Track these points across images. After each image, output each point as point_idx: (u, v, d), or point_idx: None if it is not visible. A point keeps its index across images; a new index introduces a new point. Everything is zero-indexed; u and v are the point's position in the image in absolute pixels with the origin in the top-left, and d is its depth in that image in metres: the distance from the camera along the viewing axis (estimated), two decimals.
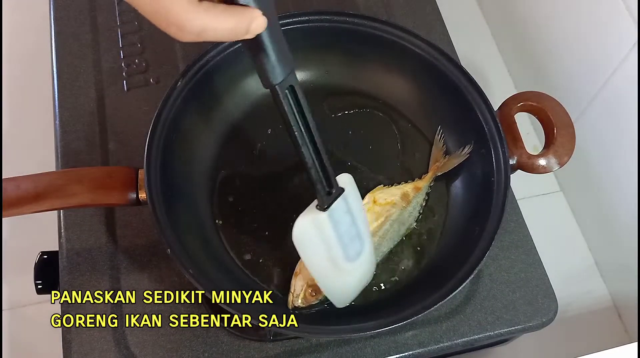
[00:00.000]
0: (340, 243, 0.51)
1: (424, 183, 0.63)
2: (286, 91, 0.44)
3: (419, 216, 0.63)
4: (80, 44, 0.75)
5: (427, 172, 0.64)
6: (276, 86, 0.43)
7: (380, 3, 0.80)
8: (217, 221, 0.62)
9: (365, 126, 0.67)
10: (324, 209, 0.48)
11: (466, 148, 0.62)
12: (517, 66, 0.98)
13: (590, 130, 0.80)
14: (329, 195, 0.49)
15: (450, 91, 0.63)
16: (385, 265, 0.61)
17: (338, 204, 0.49)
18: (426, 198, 0.63)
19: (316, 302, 0.57)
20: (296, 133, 0.45)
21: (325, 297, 0.57)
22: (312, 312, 0.58)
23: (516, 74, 0.99)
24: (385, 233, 0.60)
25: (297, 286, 0.57)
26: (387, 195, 0.61)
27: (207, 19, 0.36)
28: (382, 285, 0.60)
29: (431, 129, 0.67)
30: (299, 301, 0.57)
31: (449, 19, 0.79)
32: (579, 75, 0.80)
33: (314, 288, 0.56)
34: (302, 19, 0.64)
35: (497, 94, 0.69)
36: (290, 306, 0.57)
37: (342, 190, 0.49)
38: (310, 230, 0.49)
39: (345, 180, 0.50)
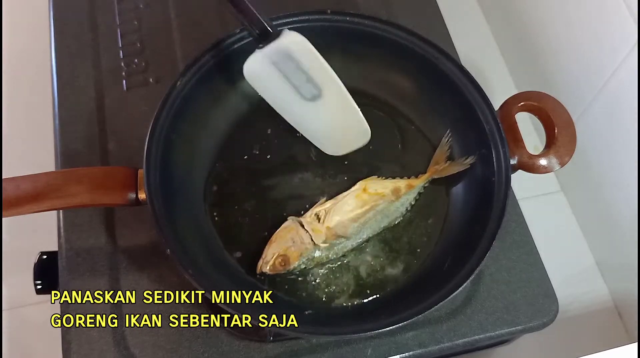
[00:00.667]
0: (287, 82, 0.58)
1: (418, 182, 0.63)
2: None
3: (405, 214, 0.63)
4: (79, 44, 0.75)
5: (425, 173, 0.64)
6: None
7: (380, 3, 0.80)
8: (216, 221, 0.62)
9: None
10: (260, 48, 0.56)
11: (469, 158, 0.62)
12: (518, 65, 0.98)
13: (591, 130, 0.80)
14: (262, 39, 0.56)
15: (450, 91, 0.63)
16: (385, 265, 0.61)
17: (274, 48, 0.56)
18: (417, 197, 0.63)
19: (283, 272, 0.58)
20: None
21: (293, 268, 0.58)
22: (310, 310, 0.58)
23: (517, 73, 0.99)
24: (366, 221, 0.60)
25: (269, 253, 0.58)
26: (378, 186, 0.62)
27: None
28: (382, 285, 0.60)
29: (431, 129, 0.67)
30: (267, 267, 0.57)
31: (449, 18, 0.79)
32: (579, 75, 0.80)
33: (284, 259, 0.57)
34: (302, 18, 0.64)
35: (498, 94, 0.68)
36: (257, 271, 0.58)
37: (274, 35, 0.56)
38: (255, 67, 0.58)
39: (295, 38, 0.57)
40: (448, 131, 0.65)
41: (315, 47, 0.65)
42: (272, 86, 0.59)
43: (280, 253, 0.58)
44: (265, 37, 0.56)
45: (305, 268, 0.59)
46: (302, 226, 0.59)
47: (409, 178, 0.64)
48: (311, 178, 0.64)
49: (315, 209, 0.61)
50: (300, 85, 0.59)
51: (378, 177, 0.64)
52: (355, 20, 0.64)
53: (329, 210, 0.60)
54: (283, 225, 0.60)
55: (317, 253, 0.59)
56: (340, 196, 0.62)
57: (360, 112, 0.62)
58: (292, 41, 0.57)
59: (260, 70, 0.58)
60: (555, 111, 0.61)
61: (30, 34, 0.97)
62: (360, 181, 0.63)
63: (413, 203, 0.63)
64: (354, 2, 0.79)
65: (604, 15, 0.72)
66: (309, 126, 0.62)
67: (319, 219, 0.60)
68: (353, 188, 0.62)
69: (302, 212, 0.62)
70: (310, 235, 0.59)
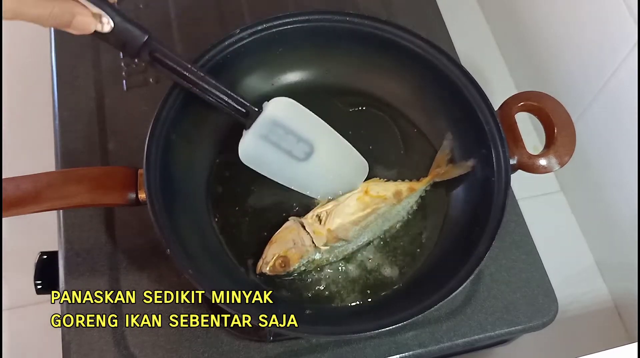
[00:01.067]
0: (280, 149, 0.60)
1: (420, 186, 0.63)
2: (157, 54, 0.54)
3: (406, 217, 0.63)
4: (79, 44, 0.75)
5: (426, 175, 0.64)
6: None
7: (380, 3, 0.80)
8: (216, 221, 0.62)
9: (366, 125, 0.67)
10: (247, 129, 0.59)
11: (470, 160, 0.62)
12: (518, 65, 0.98)
13: (590, 130, 0.80)
14: (247, 117, 0.59)
15: (450, 91, 0.63)
16: (385, 265, 0.61)
17: (259, 122, 0.59)
18: (419, 200, 0.63)
19: (283, 273, 0.58)
20: (192, 87, 0.56)
21: (293, 270, 0.58)
22: (310, 310, 0.58)
23: (517, 73, 0.99)
24: (367, 224, 0.60)
25: (269, 254, 0.58)
26: (380, 188, 0.62)
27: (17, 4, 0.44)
28: (381, 285, 0.60)
29: (431, 129, 0.67)
30: (267, 268, 0.57)
31: (449, 19, 0.79)
32: (579, 75, 0.80)
33: (284, 260, 0.57)
34: (302, 18, 0.64)
35: (498, 94, 0.68)
36: (257, 271, 0.58)
37: (258, 112, 0.59)
38: (249, 149, 0.60)
39: (276, 104, 0.60)
40: (449, 134, 0.65)
41: (316, 47, 0.66)
42: (267, 160, 0.61)
43: (280, 254, 0.58)
44: (251, 117, 0.59)
45: (304, 270, 0.59)
46: (304, 227, 0.59)
47: (410, 180, 0.64)
48: None
49: (317, 210, 0.61)
50: (292, 148, 0.61)
51: (380, 179, 0.64)
52: (355, 20, 0.64)
53: (330, 212, 0.60)
54: (284, 226, 0.60)
55: (318, 256, 0.59)
56: (342, 197, 0.62)
57: (354, 149, 0.63)
58: (275, 108, 0.60)
59: (253, 149, 0.60)
60: (555, 111, 0.61)
61: (30, 34, 0.97)
62: (363, 183, 0.63)
63: (415, 207, 0.63)
64: (354, 2, 0.79)
65: (604, 15, 0.72)
66: (311, 184, 0.63)
67: (320, 220, 0.60)
68: (355, 190, 0.62)
69: (295, 209, 0.62)
70: (311, 236, 0.59)
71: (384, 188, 0.62)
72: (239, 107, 0.59)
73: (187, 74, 0.56)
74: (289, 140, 0.60)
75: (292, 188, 0.62)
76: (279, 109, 0.60)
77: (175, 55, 0.55)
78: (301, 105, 0.61)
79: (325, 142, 0.62)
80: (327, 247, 0.59)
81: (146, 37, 0.53)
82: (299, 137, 0.61)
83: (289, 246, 0.58)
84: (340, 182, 0.63)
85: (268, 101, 0.60)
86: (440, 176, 0.63)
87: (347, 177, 0.63)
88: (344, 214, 0.60)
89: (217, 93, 0.58)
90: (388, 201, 0.61)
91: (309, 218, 0.60)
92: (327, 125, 0.62)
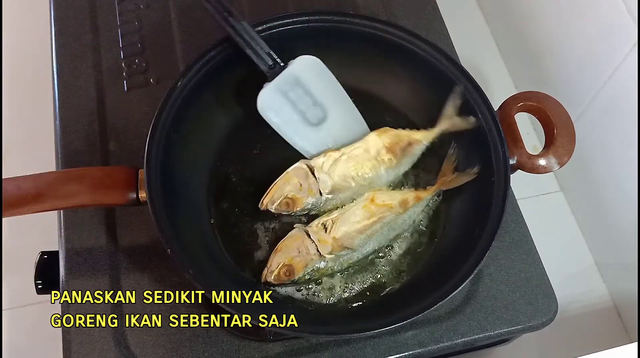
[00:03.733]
0: (295, 109, 0.62)
1: (426, 194, 0.62)
2: None
3: (412, 226, 0.62)
4: (80, 44, 0.75)
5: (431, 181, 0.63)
6: None
7: (380, 3, 0.80)
8: (217, 221, 0.62)
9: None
10: (269, 81, 0.60)
11: (476, 168, 0.61)
12: (517, 66, 0.98)
13: (590, 130, 0.80)
14: (271, 70, 0.60)
15: (450, 91, 0.63)
16: (384, 266, 0.61)
17: (283, 77, 0.61)
18: (426, 209, 0.63)
19: (288, 282, 0.58)
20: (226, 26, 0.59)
21: (298, 279, 0.58)
22: (310, 309, 0.58)
23: (516, 74, 0.99)
24: (373, 233, 0.60)
25: (274, 263, 0.58)
26: (386, 197, 0.61)
27: None
28: (381, 285, 0.60)
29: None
30: (272, 277, 0.57)
31: (449, 19, 0.79)
32: (579, 75, 0.80)
33: (289, 269, 0.57)
34: (302, 19, 0.64)
35: (497, 94, 0.69)
36: (262, 280, 0.58)
37: (283, 67, 0.61)
38: (267, 100, 0.61)
39: (303, 62, 0.61)
40: (453, 143, 0.64)
41: (316, 47, 0.66)
42: (280, 115, 0.62)
43: (285, 263, 0.57)
44: (275, 70, 0.61)
45: (309, 278, 0.59)
46: (309, 235, 0.59)
47: (416, 189, 0.63)
48: None
49: (323, 218, 0.60)
50: (307, 110, 0.63)
51: (386, 187, 0.63)
52: (355, 20, 0.65)
53: (335, 220, 0.59)
54: (289, 234, 0.60)
55: (322, 264, 0.59)
56: (348, 206, 0.61)
57: (366, 126, 0.65)
58: (300, 66, 0.61)
59: (271, 101, 0.61)
60: (554, 111, 0.61)
61: (31, 34, 0.97)
62: (369, 191, 0.62)
63: (421, 217, 0.63)
64: (354, 2, 0.79)
65: (604, 15, 0.72)
66: (314, 151, 0.64)
67: (325, 229, 0.59)
68: (361, 198, 0.61)
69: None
70: (316, 245, 0.58)
71: (390, 197, 0.61)
72: (266, 58, 0.60)
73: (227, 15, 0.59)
74: (306, 102, 0.62)
75: (296, 148, 0.64)
76: (304, 68, 0.61)
77: None
78: (326, 67, 0.62)
79: (339, 112, 0.64)
80: (332, 255, 0.58)
81: None
82: (316, 101, 0.63)
83: (294, 255, 0.58)
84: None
85: (294, 58, 0.61)
86: (447, 185, 0.62)
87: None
88: (350, 223, 0.59)
89: (247, 37, 0.59)
90: (394, 209, 0.60)
91: (314, 226, 0.59)
92: (346, 94, 0.64)
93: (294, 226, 0.61)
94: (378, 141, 0.63)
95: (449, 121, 0.63)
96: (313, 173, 0.61)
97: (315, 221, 0.60)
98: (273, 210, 0.60)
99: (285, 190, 0.60)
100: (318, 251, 0.58)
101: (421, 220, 0.63)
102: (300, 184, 0.60)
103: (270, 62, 0.60)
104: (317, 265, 0.58)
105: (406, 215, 0.61)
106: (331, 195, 0.61)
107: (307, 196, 0.60)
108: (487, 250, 0.55)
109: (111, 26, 0.76)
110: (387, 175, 0.63)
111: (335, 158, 0.61)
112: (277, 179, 0.61)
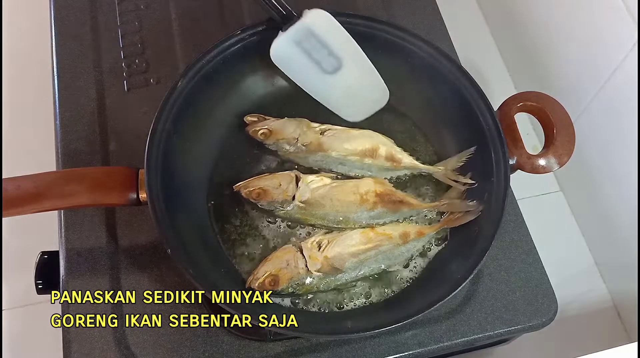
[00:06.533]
0: (310, 59, 0.63)
1: (429, 231, 0.61)
2: None
3: (408, 261, 0.61)
4: (80, 44, 0.75)
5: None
6: None
7: (380, 3, 0.80)
8: (217, 221, 0.62)
9: (364, 124, 0.67)
10: (283, 31, 0.61)
11: (481, 205, 0.59)
12: (517, 66, 0.98)
13: (590, 130, 0.80)
14: (285, 20, 0.60)
15: (449, 91, 0.64)
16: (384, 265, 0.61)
17: (297, 28, 0.61)
18: (425, 245, 0.61)
19: (270, 291, 0.57)
20: None
21: (281, 290, 0.57)
22: (311, 311, 0.58)
23: (516, 74, 0.99)
24: (365, 259, 0.59)
25: (261, 270, 0.57)
26: (387, 226, 0.61)
27: None
28: (380, 285, 0.60)
29: (430, 129, 0.67)
30: (256, 284, 0.57)
31: (449, 19, 0.79)
32: (579, 75, 0.80)
33: (274, 279, 0.57)
34: None
35: (497, 94, 0.69)
36: (246, 285, 0.57)
37: (297, 18, 0.61)
38: (280, 50, 0.62)
39: (316, 15, 0.61)
40: (468, 174, 0.62)
41: None
42: (296, 65, 0.64)
43: (272, 273, 0.57)
44: (288, 20, 0.61)
45: (293, 292, 0.58)
46: (301, 251, 0.59)
47: (419, 223, 0.62)
48: None
49: (319, 237, 0.60)
50: (322, 60, 0.63)
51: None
52: (355, 20, 0.65)
53: (332, 240, 0.59)
54: (283, 246, 0.60)
55: (309, 280, 0.58)
56: (349, 229, 0.61)
57: (379, 76, 0.65)
58: (314, 18, 0.61)
59: (285, 51, 0.62)
60: (554, 111, 0.61)
61: (31, 34, 0.97)
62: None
63: (421, 250, 0.61)
64: (353, 2, 0.79)
65: (604, 15, 0.72)
66: (332, 98, 0.66)
67: (319, 247, 0.59)
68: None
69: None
70: (306, 260, 0.58)
71: (392, 227, 0.61)
72: (280, 8, 0.60)
73: None
74: (321, 52, 0.63)
75: (312, 95, 0.65)
76: (318, 20, 0.62)
77: None
78: (338, 23, 0.63)
79: (353, 61, 0.64)
80: (320, 274, 0.58)
81: None
82: (330, 51, 0.63)
83: (282, 266, 0.58)
84: (360, 102, 0.66)
85: (309, 9, 0.62)
86: (453, 223, 0.61)
87: (367, 99, 0.67)
88: (345, 245, 0.59)
89: None
90: (393, 240, 0.60)
91: (309, 243, 0.59)
92: (359, 47, 0.64)
93: (290, 240, 0.61)
94: (371, 183, 0.62)
95: (453, 216, 0.61)
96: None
97: (312, 238, 0.60)
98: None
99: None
100: (306, 266, 0.58)
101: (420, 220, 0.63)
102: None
103: (284, 12, 0.60)
104: (302, 280, 0.58)
105: (404, 248, 0.60)
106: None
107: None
108: (487, 250, 0.55)
109: (111, 26, 0.76)
110: (363, 216, 0.61)
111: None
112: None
